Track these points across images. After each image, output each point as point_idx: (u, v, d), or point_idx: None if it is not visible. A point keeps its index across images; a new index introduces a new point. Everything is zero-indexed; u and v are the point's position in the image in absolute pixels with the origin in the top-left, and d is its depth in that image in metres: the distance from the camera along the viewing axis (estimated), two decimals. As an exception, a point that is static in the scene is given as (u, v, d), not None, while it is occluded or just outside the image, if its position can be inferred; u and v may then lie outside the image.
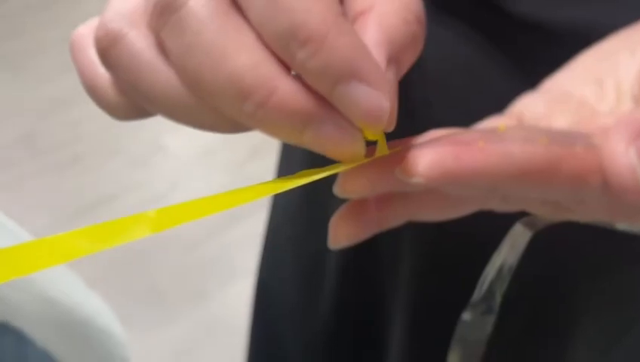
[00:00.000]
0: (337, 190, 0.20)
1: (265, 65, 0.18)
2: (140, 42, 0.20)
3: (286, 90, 0.18)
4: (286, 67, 0.19)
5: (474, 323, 0.24)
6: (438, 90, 0.39)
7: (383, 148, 0.20)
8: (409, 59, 0.21)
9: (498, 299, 0.23)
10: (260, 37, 0.19)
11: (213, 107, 0.19)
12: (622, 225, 0.22)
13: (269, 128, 0.19)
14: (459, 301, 0.26)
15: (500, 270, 0.23)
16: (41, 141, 1.76)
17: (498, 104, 0.28)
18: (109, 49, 0.21)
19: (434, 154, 0.18)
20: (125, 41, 0.20)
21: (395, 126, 0.20)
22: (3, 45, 2.06)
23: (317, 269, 0.48)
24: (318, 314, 0.49)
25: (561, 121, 0.24)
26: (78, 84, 0.23)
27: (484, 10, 0.35)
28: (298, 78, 0.19)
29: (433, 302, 0.41)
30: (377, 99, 0.18)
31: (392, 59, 0.20)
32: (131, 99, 0.22)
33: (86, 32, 0.23)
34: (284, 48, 0.18)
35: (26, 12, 2.18)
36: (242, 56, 0.18)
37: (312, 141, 0.19)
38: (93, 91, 0.23)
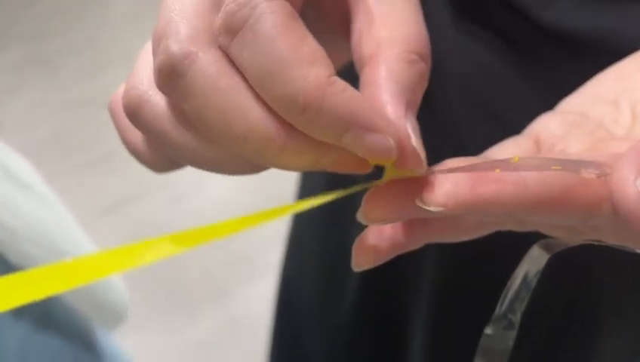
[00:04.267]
0: (360, 218, 0.22)
1: (275, 115, 0.20)
2: (160, 105, 0.22)
3: (299, 136, 0.20)
4: None
5: (496, 337, 0.24)
6: (461, 97, 0.39)
7: (391, 171, 0.22)
8: (419, 96, 0.22)
9: (518, 316, 0.24)
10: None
11: (234, 157, 0.21)
12: None
13: (289, 167, 0.20)
14: (480, 314, 0.26)
15: (519, 291, 0.24)
16: (70, 141, 1.79)
17: (520, 112, 0.29)
18: (134, 114, 0.22)
19: (451, 184, 0.20)
20: (147, 106, 0.22)
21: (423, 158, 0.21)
22: (35, 46, 2.09)
23: (340, 269, 0.48)
24: (341, 313, 0.50)
25: (577, 144, 0.24)
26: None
27: (509, 18, 0.36)
28: None
29: (454, 314, 0.42)
30: (381, 141, 0.20)
31: (409, 105, 0.21)
32: (163, 155, 0.23)
33: (120, 97, 0.24)
34: (285, 114, 0.19)
35: (58, 14, 2.22)
36: (254, 110, 0.20)
37: (329, 168, 0.21)
38: (131, 150, 0.24)
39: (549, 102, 0.28)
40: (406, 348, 0.46)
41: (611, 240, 0.22)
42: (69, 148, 1.77)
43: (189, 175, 1.75)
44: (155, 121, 0.21)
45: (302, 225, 0.55)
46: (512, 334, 0.24)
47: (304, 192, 0.53)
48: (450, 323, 0.42)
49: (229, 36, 0.20)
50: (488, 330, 0.25)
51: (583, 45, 0.34)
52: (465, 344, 0.27)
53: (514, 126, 0.28)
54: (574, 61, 0.33)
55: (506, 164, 0.21)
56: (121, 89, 0.24)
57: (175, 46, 0.20)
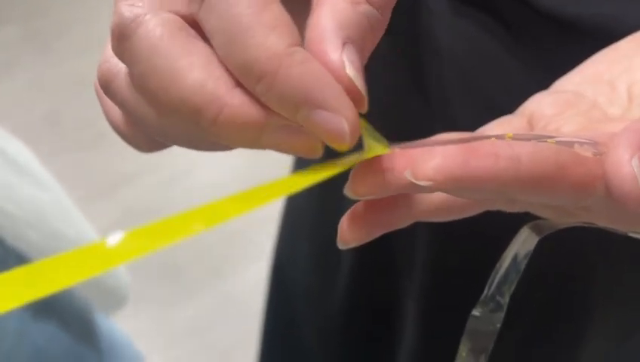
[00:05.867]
0: (347, 192, 0.21)
1: (212, 83, 0.19)
2: (124, 79, 0.21)
3: (235, 105, 0.19)
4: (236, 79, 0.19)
5: (483, 319, 0.25)
6: (458, 82, 0.39)
7: (374, 147, 0.21)
8: (370, 39, 0.21)
9: (507, 298, 0.24)
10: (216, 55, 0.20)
11: (189, 129, 0.20)
12: (633, 234, 0.23)
13: (227, 140, 0.20)
14: (471, 296, 0.27)
15: (507, 273, 0.24)
16: (65, 119, 1.78)
17: (517, 97, 0.28)
18: (107, 87, 0.22)
19: (442, 157, 0.19)
20: (118, 78, 0.21)
21: (366, 109, 0.21)
22: (29, 24, 2.07)
23: (333, 253, 0.49)
24: (334, 297, 0.50)
25: (571, 124, 0.24)
26: None
27: (509, 2, 0.36)
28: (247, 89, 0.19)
29: (445, 295, 0.42)
30: (337, 123, 0.19)
31: (348, 40, 0.20)
32: (141, 133, 0.23)
33: None
34: (245, 82, 0.19)
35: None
36: (190, 76, 0.19)
37: (270, 147, 0.20)
38: (114, 127, 0.24)
39: (547, 88, 0.28)
40: (398, 328, 0.46)
41: (602, 221, 0.22)
42: (64, 127, 1.76)
43: (185, 155, 1.75)
44: (123, 93, 0.21)
45: (294, 208, 0.55)
46: (500, 316, 0.24)
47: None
48: (441, 305, 0.43)
49: (198, 1, 0.19)
50: (476, 312, 0.25)
51: (583, 31, 0.33)
52: (456, 326, 0.28)
53: (512, 111, 0.27)
54: (573, 47, 0.32)
55: (499, 140, 0.20)
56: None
57: (125, 9, 0.20)
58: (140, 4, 0.20)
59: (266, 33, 0.19)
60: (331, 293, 0.50)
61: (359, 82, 0.20)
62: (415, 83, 0.40)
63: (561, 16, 0.34)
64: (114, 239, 0.17)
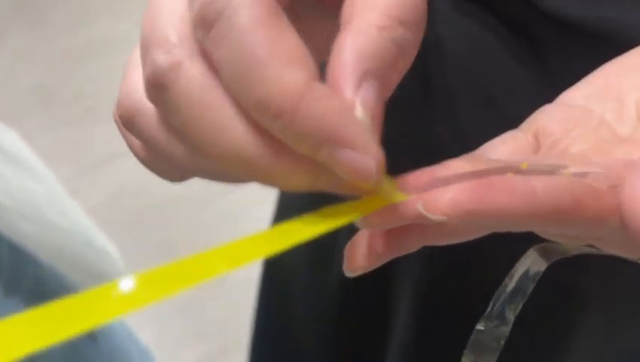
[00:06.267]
0: (360, 223, 0.21)
1: (262, 132, 0.19)
2: (153, 115, 0.21)
3: (289, 156, 0.19)
4: None
5: (487, 333, 0.25)
6: (461, 82, 0.39)
7: (390, 192, 0.21)
8: (399, 66, 0.20)
9: (512, 316, 0.24)
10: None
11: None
12: None
13: (285, 188, 0.20)
14: (470, 307, 0.27)
15: (514, 294, 0.24)
16: (56, 93, 1.76)
17: (520, 97, 0.28)
18: (130, 123, 0.21)
19: (455, 191, 0.18)
20: (141, 115, 0.21)
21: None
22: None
23: (328, 248, 0.48)
24: (328, 293, 0.49)
25: (579, 143, 0.24)
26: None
27: (512, 3, 0.35)
28: None
29: (441, 305, 0.42)
30: (365, 163, 0.18)
31: (368, 75, 0.19)
32: (166, 165, 0.23)
33: None
34: (260, 118, 0.18)
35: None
36: (237, 129, 0.19)
37: (332, 190, 0.20)
38: (136, 155, 0.24)
39: (549, 89, 0.27)
40: (391, 329, 0.46)
41: (615, 250, 0.22)
42: (54, 100, 1.74)
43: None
44: (149, 131, 0.21)
45: (288, 201, 0.54)
46: (505, 331, 0.24)
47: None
48: (436, 313, 0.42)
49: (204, 29, 0.18)
50: (480, 326, 0.25)
51: (587, 33, 0.33)
52: (449, 335, 0.28)
53: (514, 112, 0.27)
54: (577, 48, 0.32)
55: (515, 170, 0.20)
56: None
57: (161, 56, 0.19)
58: (176, 50, 0.19)
59: (283, 67, 0.18)
60: (326, 288, 0.50)
61: (368, 124, 0.19)
62: (416, 81, 0.40)
63: (564, 18, 0.33)
64: (125, 285, 0.16)
